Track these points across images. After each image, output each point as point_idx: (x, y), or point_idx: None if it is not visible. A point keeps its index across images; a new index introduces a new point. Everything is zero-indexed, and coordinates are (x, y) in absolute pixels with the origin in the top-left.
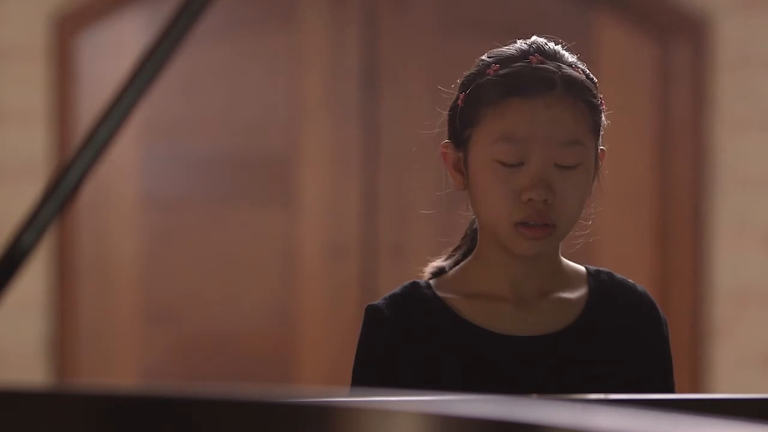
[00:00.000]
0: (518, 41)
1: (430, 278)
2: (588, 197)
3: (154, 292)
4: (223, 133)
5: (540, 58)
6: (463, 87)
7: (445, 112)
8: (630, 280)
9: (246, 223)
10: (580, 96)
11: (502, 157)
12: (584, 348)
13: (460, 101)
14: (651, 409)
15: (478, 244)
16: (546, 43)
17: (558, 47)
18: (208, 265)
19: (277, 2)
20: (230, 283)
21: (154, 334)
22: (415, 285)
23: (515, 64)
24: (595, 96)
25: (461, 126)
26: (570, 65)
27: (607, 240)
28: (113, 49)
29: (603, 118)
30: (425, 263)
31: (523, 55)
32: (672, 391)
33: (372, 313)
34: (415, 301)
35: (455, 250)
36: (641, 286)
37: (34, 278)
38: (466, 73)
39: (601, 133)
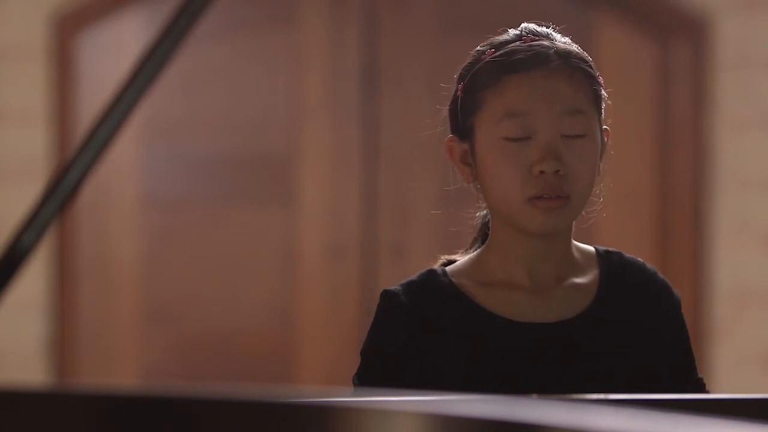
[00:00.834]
0: (509, 30)
1: (446, 264)
2: (597, 172)
3: (154, 292)
4: (223, 133)
5: (533, 37)
6: (461, 78)
7: (446, 107)
8: (639, 260)
9: (246, 223)
10: (578, 66)
11: (508, 132)
12: (600, 332)
13: (459, 92)
14: (651, 409)
15: (491, 233)
16: (537, 26)
17: (549, 29)
18: (208, 265)
19: (277, 2)
20: (230, 283)
21: (154, 334)
22: (431, 272)
23: (509, 46)
24: (591, 67)
25: (463, 115)
26: (563, 43)
27: (607, 240)
28: (113, 49)
29: (603, 92)
30: (425, 263)
31: (516, 37)
32: (694, 368)
33: (388, 299)
34: (431, 288)
35: (471, 245)
36: (651, 265)
37: (34, 278)
38: (463, 65)
39: (603, 106)
